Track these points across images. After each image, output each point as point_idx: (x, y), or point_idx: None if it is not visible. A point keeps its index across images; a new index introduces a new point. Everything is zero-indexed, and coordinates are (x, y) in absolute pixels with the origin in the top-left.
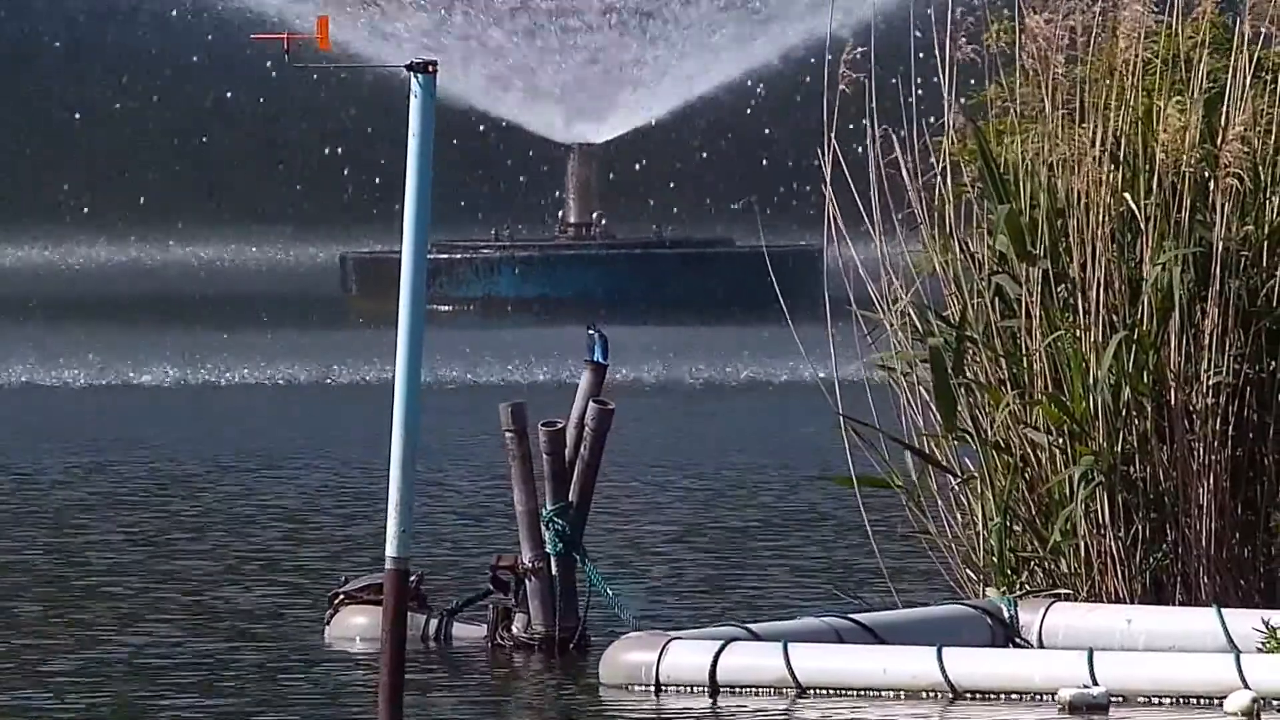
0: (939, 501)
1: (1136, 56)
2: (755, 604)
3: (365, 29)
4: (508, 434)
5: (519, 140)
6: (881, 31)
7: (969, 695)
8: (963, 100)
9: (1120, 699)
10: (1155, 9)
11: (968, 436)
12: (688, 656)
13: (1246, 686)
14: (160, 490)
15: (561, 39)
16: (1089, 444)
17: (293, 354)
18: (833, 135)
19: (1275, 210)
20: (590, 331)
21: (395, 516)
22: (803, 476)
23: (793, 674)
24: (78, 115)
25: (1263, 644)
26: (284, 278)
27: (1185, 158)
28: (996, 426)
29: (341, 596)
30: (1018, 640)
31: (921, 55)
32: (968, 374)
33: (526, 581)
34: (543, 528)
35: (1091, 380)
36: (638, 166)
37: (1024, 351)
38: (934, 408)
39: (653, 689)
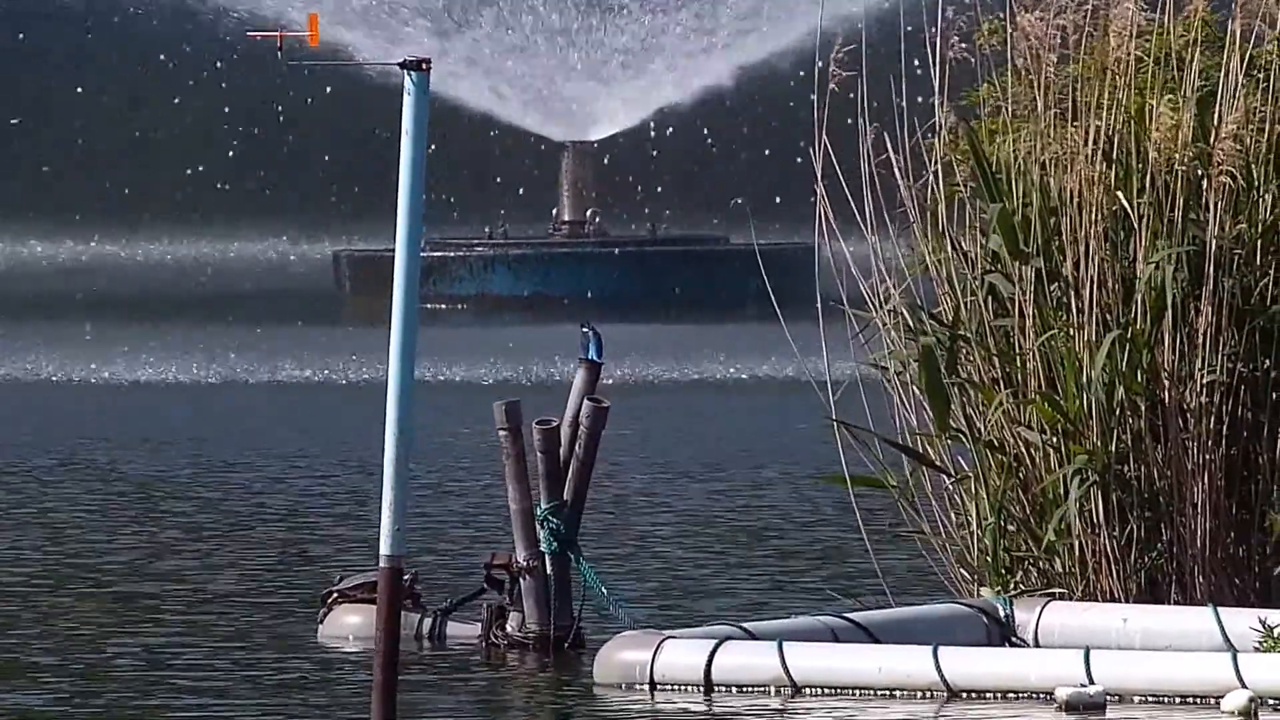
0: (933, 501)
1: (1128, 55)
2: (750, 603)
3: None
4: (502, 432)
5: (513, 138)
6: (873, 31)
7: (965, 694)
8: (954, 103)
9: (1117, 698)
10: (1146, 7)
11: (961, 436)
12: (682, 655)
13: (1244, 686)
14: (153, 488)
15: (558, 36)
16: (1083, 443)
17: (286, 352)
18: (823, 134)
19: (1268, 208)
20: (584, 329)
21: (389, 515)
22: (798, 475)
23: (788, 673)
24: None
25: (1260, 643)
26: (277, 276)
27: (1178, 156)
28: (990, 426)
29: (335, 595)
30: (1014, 639)
31: (916, 62)
32: (961, 373)
33: (521, 580)
34: (537, 526)
35: (1085, 379)
36: (632, 164)
37: (1017, 350)
38: (927, 407)
39: (647, 688)
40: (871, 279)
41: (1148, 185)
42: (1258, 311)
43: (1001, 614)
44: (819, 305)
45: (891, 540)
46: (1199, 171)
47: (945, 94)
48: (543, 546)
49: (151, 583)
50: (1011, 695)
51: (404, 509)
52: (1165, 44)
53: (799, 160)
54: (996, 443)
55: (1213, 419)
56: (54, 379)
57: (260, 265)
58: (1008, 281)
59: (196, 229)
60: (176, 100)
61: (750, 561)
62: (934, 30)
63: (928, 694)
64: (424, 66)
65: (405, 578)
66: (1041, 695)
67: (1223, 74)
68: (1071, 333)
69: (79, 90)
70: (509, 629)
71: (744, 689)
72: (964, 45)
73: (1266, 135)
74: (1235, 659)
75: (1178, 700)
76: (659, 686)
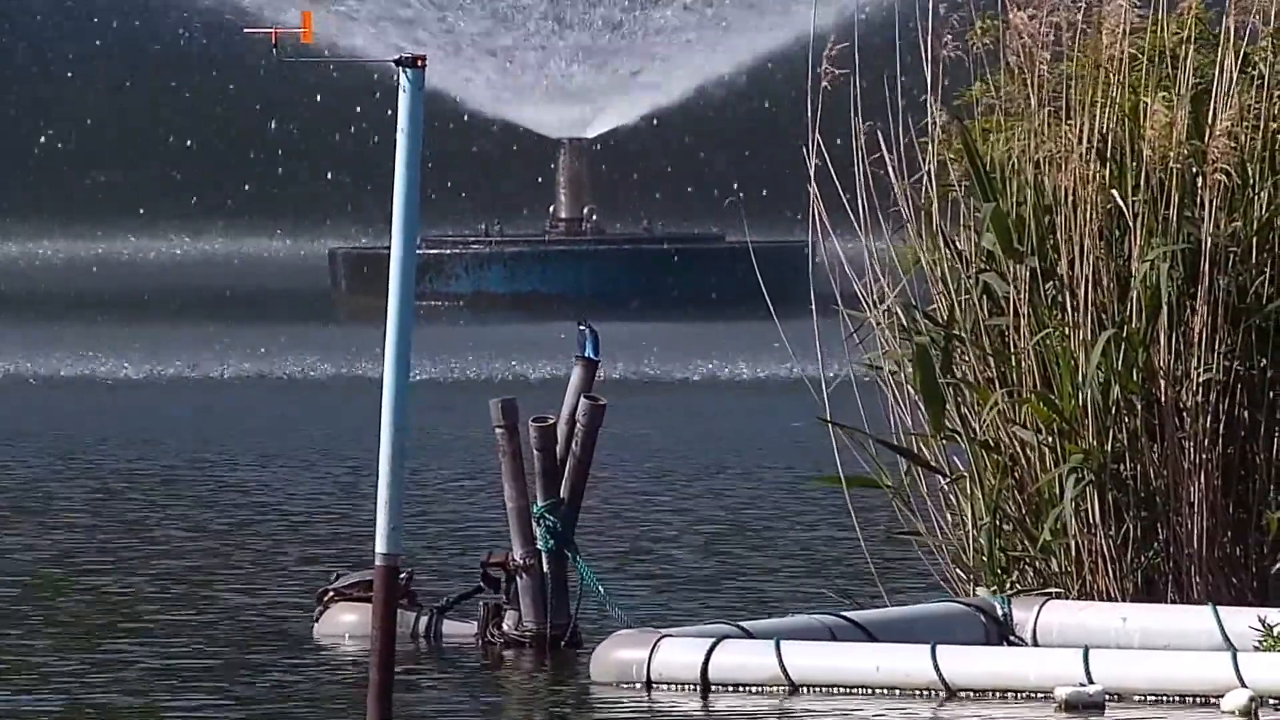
0: (928, 501)
1: (1122, 52)
2: (747, 602)
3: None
4: (498, 430)
5: (509, 135)
6: (866, 29)
7: (963, 694)
8: (946, 102)
9: (1116, 697)
10: (1139, 4)
11: (956, 436)
12: (679, 654)
13: (1243, 685)
14: (148, 486)
15: (553, 32)
16: (1078, 442)
17: (281, 350)
18: (817, 131)
19: (1263, 206)
20: (581, 327)
21: (384, 513)
22: (796, 474)
23: (785, 672)
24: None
25: (1259, 642)
26: (273, 273)
27: (1172, 154)
28: (985, 425)
29: (331, 593)
30: (1012, 638)
31: (909, 59)
32: (956, 373)
33: (517, 578)
34: (534, 524)
35: (1080, 378)
36: (629, 162)
37: (1012, 350)
38: (922, 407)
39: (644, 687)
40: (865, 278)
41: (1142, 183)
42: (1253, 310)
43: (1000, 613)
44: (813, 305)
45: (888, 540)
46: (1194, 169)
47: (939, 93)
48: (539, 545)
49: (149, 581)
50: (1010, 695)
51: (400, 507)
52: (1159, 41)
53: (796, 158)
54: (992, 442)
55: (1209, 418)
56: (49, 377)
57: (255, 263)
58: (1002, 280)
59: (192, 227)
60: (172, 96)
61: (747, 560)
62: (927, 28)
63: (926, 693)
64: (419, 63)
65: (401, 576)
66: (1040, 695)
67: (1217, 71)
68: (1067, 332)
69: (75, 86)
70: (506, 627)
71: (741, 688)
72: (957, 44)
73: (1261, 133)
74: (1235, 658)
75: (1177, 700)
76: (656, 685)
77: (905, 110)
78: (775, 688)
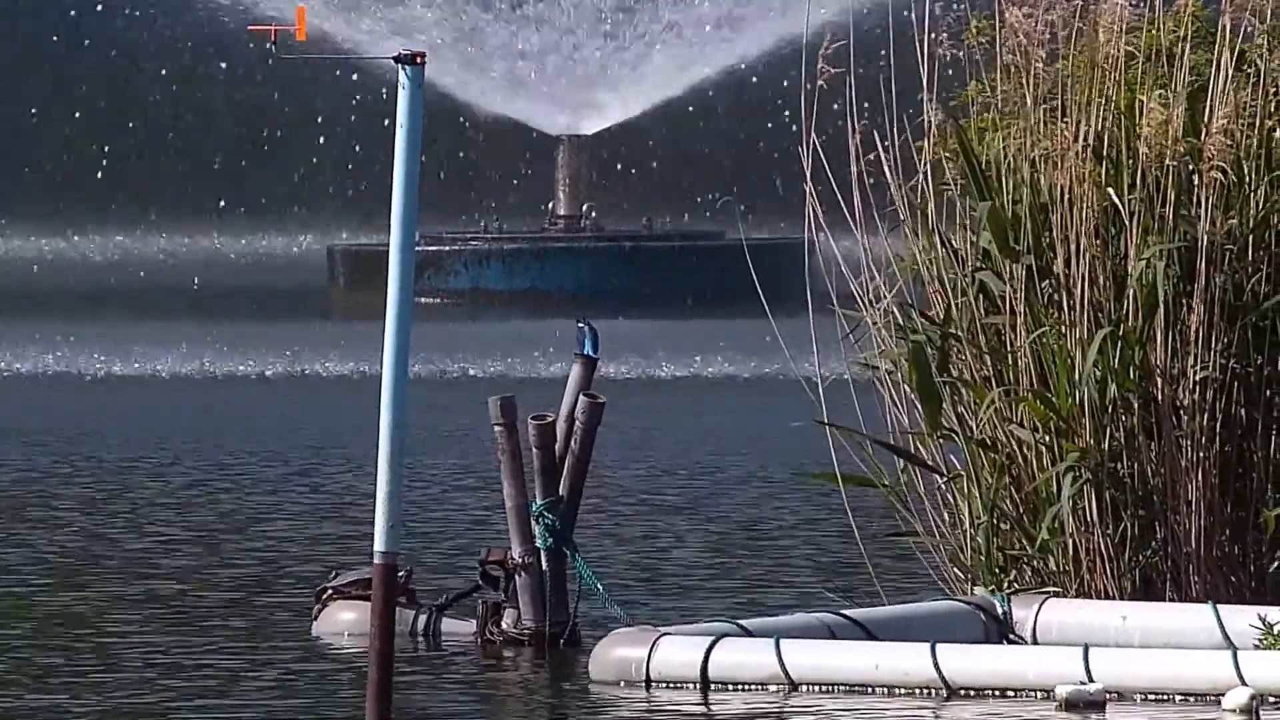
0: (925, 501)
1: (1118, 51)
2: (747, 600)
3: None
4: (497, 428)
5: (508, 131)
6: (861, 27)
7: (963, 692)
8: (941, 100)
9: (1116, 696)
10: (1135, 2)
11: (953, 435)
12: (679, 652)
13: (1244, 683)
14: (146, 484)
15: (552, 29)
16: (1075, 441)
17: (279, 347)
18: (812, 130)
19: (1260, 204)
20: (580, 325)
21: (383, 511)
22: (793, 472)
23: (785, 670)
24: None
25: (1259, 640)
26: (270, 270)
27: (1169, 152)
28: (982, 424)
29: (329, 592)
30: (1012, 636)
31: (906, 53)
32: (952, 372)
33: (516, 576)
34: (533, 522)
35: (1077, 377)
36: (629, 158)
37: (1009, 348)
38: (918, 406)
39: (644, 685)
40: (861, 277)
41: (1138, 181)
42: (1250, 307)
43: (999, 611)
44: (809, 304)
45: (886, 540)
46: (1190, 167)
47: (934, 91)
48: (538, 542)
49: (147, 580)
50: (1010, 693)
51: (398, 505)
52: (1155, 39)
53: (795, 156)
54: (989, 441)
55: (1206, 416)
56: (45, 374)
57: (253, 260)
58: (998, 279)
59: (190, 224)
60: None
61: (747, 558)
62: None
63: (926, 691)
64: (418, 60)
65: (400, 574)
66: (1040, 693)
67: (1213, 69)
68: (1063, 330)
69: (74, 83)
70: (504, 625)
71: (741, 686)
72: (952, 43)
73: (1257, 130)
74: (1235, 656)
75: (1178, 698)
76: (655, 684)
77: (901, 109)
78: (775, 686)
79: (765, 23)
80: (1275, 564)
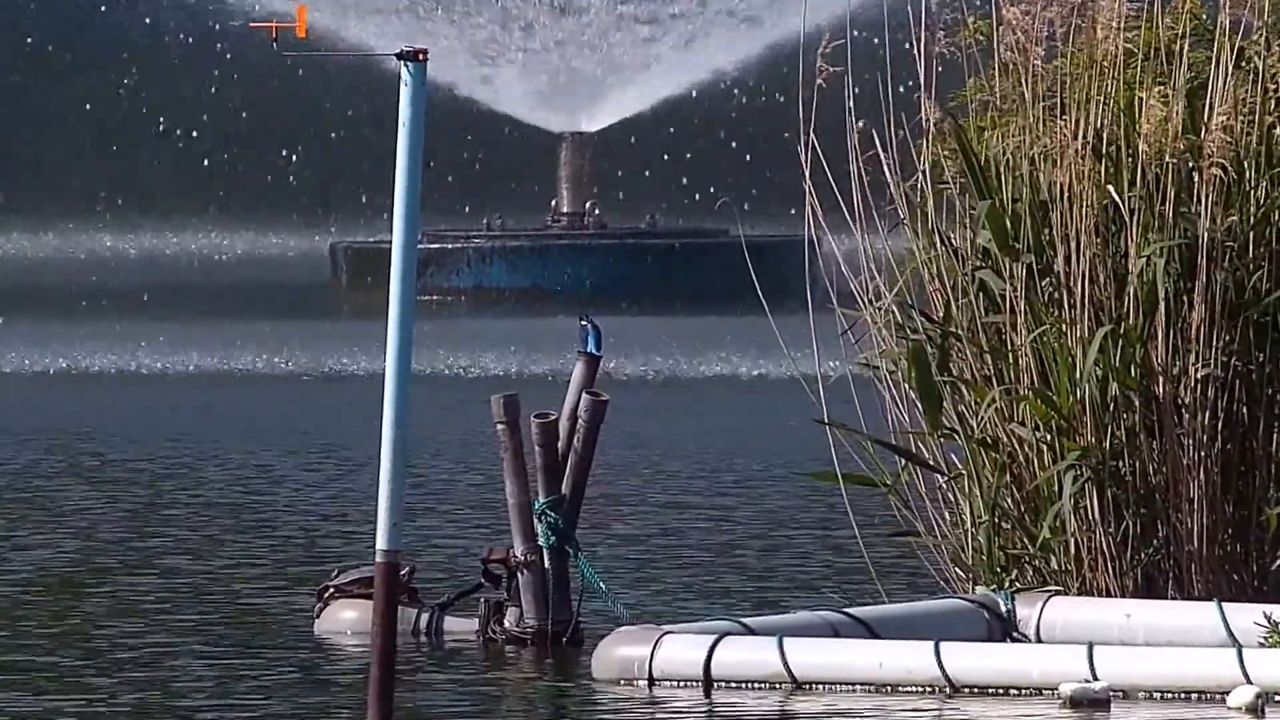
0: (926, 500)
1: (1117, 48)
2: (749, 599)
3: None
4: (499, 426)
5: (511, 128)
6: (859, 26)
7: (967, 690)
8: (942, 100)
9: (1121, 694)
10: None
11: (953, 434)
12: (682, 651)
13: (1249, 681)
14: (148, 483)
15: (553, 27)
16: (1077, 439)
17: (282, 344)
18: (811, 128)
19: (1260, 201)
20: (583, 322)
21: (385, 509)
22: (797, 470)
23: (788, 668)
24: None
25: (1265, 638)
26: (273, 268)
27: (1168, 149)
28: (982, 423)
29: (331, 590)
30: (1015, 635)
31: (907, 47)
32: (952, 371)
33: (519, 575)
34: (535, 521)
35: (1078, 375)
36: (632, 156)
37: (1009, 347)
38: (919, 405)
39: (646, 684)
40: (861, 276)
41: (1138, 179)
42: (1251, 304)
43: (1003, 609)
44: (809, 304)
45: (886, 538)
46: (1189, 164)
47: (933, 90)
48: (541, 541)
49: (148, 579)
50: (1014, 691)
51: (401, 503)
52: (1154, 36)
53: (797, 154)
54: (989, 440)
55: (1207, 414)
56: (49, 373)
57: (256, 258)
58: (998, 278)
59: (191, 222)
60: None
61: (749, 557)
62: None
63: (929, 690)
64: (420, 57)
65: (402, 572)
66: (1044, 691)
67: (1212, 66)
68: (1063, 328)
69: (75, 81)
70: (507, 624)
71: (744, 685)
72: (950, 42)
73: (1256, 127)
74: (1240, 654)
75: (1182, 696)
76: (658, 682)
77: (899, 107)
78: (778, 684)
79: (771, 20)
80: (1278, 562)
